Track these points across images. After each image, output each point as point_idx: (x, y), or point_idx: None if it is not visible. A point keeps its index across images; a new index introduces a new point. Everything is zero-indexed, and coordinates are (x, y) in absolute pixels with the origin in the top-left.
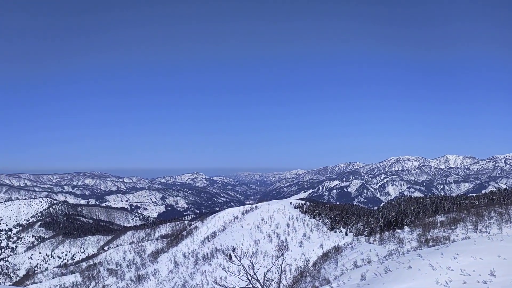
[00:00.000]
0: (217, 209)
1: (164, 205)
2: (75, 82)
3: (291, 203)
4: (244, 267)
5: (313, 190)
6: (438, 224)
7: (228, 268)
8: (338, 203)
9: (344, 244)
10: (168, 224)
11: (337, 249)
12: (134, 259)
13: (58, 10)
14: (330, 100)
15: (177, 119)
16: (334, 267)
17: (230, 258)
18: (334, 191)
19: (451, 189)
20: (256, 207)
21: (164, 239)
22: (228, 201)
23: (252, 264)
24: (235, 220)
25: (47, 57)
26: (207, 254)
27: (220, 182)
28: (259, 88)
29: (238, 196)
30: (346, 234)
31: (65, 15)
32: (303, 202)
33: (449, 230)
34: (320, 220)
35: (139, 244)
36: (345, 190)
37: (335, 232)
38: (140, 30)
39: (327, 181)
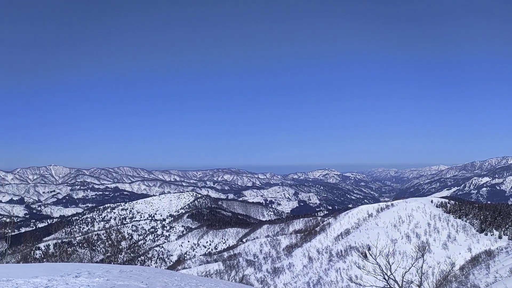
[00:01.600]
0: (350, 205)
1: (296, 201)
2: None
3: (432, 201)
4: (380, 266)
5: (458, 188)
6: None
7: (364, 267)
8: (488, 202)
9: (497, 248)
10: (301, 219)
11: (489, 254)
12: (270, 252)
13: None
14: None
15: (309, 116)
16: (485, 274)
17: (365, 256)
18: (484, 189)
19: None
20: (392, 204)
21: (298, 234)
22: (361, 198)
23: (389, 263)
24: (369, 217)
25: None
26: (340, 251)
27: (352, 178)
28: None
29: (372, 193)
30: (500, 237)
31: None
32: (447, 200)
33: None
34: (468, 221)
35: (274, 238)
36: (498, 188)
37: (486, 234)
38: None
39: (475, 177)
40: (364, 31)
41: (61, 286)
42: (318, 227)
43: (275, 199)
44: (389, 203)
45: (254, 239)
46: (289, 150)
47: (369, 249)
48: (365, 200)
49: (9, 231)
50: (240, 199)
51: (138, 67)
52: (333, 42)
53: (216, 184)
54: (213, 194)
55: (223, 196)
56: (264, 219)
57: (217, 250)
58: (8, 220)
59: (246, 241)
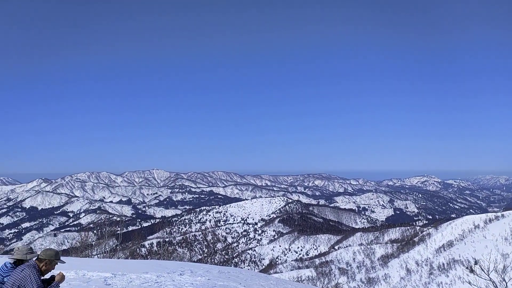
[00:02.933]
0: (453, 215)
1: (392, 209)
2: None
3: None
4: (494, 283)
5: None
6: None
7: (472, 283)
8: None
9: None
10: (397, 228)
11: None
12: (363, 261)
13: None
14: None
15: (406, 121)
16: None
17: (472, 271)
18: None
19: None
20: (502, 215)
21: (394, 244)
22: (466, 208)
23: (505, 281)
24: (475, 229)
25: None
26: (442, 264)
27: (455, 186)
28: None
29: (478, 202)
30: None
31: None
32: None
33: None
34: None
35: (368, 246)
36: None
37: None
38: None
39: None
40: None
41: (168, 283)
42: (417, 237)
43: (368, 206)
44: (498, 214)
45: (346, 246)
46: (383, 155)
47: (476, 263)
48: (471, 210)
49: (119, 229)
50: (332, 205)
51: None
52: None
53: (307, 189)
54: (304, 199)
55: (314, 202)
56: (356, 227)
57: (309, 256)
58: (118, 219)
59: (338, 248)
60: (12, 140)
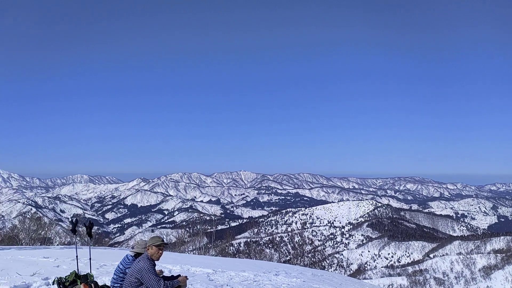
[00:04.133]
0: None
1: (495, 216)
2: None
3: None
4: None
5: None
6: None
7: None
8: None
9: None
10: (501, 237)
11: None
12: (462, 271)
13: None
14: None
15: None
16: None
17: None
18: None
19: None
20: None
21: (498, 254)
22: None
23: None
24: None
25: None
26: None
27: None
28: None
29: None
30: None
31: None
32: None
33: None
34: None
35: (468, 256)
36: None
37: None
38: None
39: None
40: None
41: (265, 282)
42: None
43: (468, 213)
44: None
45: (443, 255)
46: (484, 158)
47: None
48: None
49: (209, 227)
50: (426, 210)
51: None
52: None
53: (397, 193)
54: (394, 203)
55: (405, 206)
56: (454, 234)
57: (400, 264)
58: (208, 218)
59: (433, 256)
60: (116, 143)
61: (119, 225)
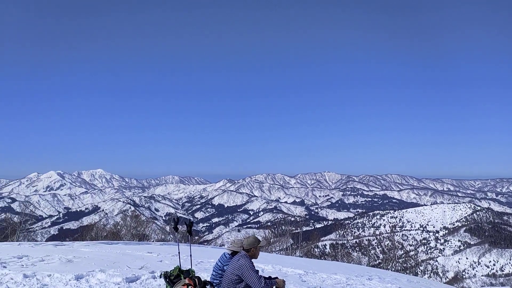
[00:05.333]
0: None
1: None
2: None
3: None
4: None
5: None
6: None
7: None
8: None
9: None
10: None
11: None
12: None
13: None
14: None
15: None
16: None
17: None
18: None
19: None
20: None
21: None
22: None
23: None
24: None
25: None
26: None
27: None
28: None
29: None
30: None
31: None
32: None
33: None
34: None
35: None
36: None
37: None
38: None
39: None
40: None
41: (359, 286)
42: None
43: None
44: None
45: None
46: None
47: None
48: None
49: (294, 229)
50: None
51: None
52: None
53: (499, 196)
54: (496, 207)
55: (509, 211)
56: None
57: (504, 273)
58: (292, 219)
59: None
60: (204, 146)
61: (207, 224)
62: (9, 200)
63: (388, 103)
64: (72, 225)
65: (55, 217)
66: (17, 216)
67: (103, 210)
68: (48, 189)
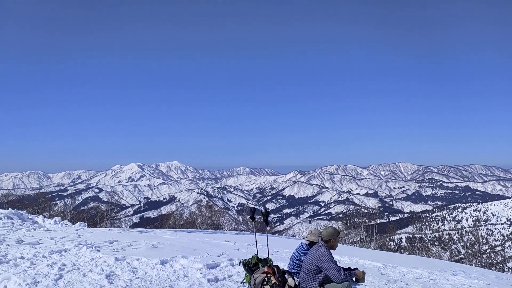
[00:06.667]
0: None
1: None
2: None
3: None
4: None
5: None
6: None
7: None
8: None
9: None
10: None
11: None
12: None
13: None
14: None
15: None
16: None
17: None
18: None
19: None
20: None
21: None
22: None
23: None
24: None
25: None
26: None
27: None
28: None
29: None
30: None
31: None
32: None
33: None
34: None
35: None
36: None
37: None
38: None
39: None
40: None
41: (443, 281)
42: None
43: None
44: None
45: None
46: None
47: None
48: None
49: (367, 221)
50: None
51: None
52: None
53: None
54: None
55: None
56: None
57: None
58: (365, 211)
59: None
60: (274, 137)
61: (278, 215)
62: (97, 190)
63: (473, 94)
64: (152, 213)
65: (137, 206)
66: (104, 204)
67: (179, 200)
68: (129, 180)
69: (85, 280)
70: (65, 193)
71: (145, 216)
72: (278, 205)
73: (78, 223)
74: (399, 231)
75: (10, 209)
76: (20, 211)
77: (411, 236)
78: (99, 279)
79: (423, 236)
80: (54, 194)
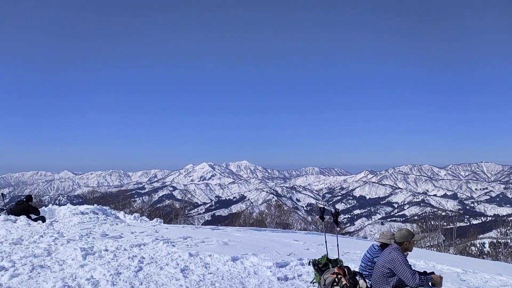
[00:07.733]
0: None
1: None
2: None
3: None
4: None
5: None
6: None
7: None
8: None
9: None
10: None
11: None
12: None
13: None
14: None
15: None
16: None
17: None
18: None
19: None
20: None
21: None
22: None
23: None
24: None
25: None
26: None
27: None
28: None
29: None
30: None
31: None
32: None
33: None
34: None
35: None
36: None
37: None
38: None
39: None
40: None
41: None
42: None
43: None
44: None
45: None
46: None
47: None
48: None
49: (445, 224)
50: None
51: None
52: None
53: None
54: None
55: None
56: None
57: None
58: (443, 213)
59: None
60: (344, 137)
61: (349, 216)
62: (171, 188)
63: None
64: (223, 212)
65: (208, 205)
66: (178, 202)
67: (248, 199)
68: (201, 179)
69: (162, 273)
70: (142, 191)
71: (216, 214)
72: (348, 206)
73: (155, 219)
74: (481, 236)
75: (95, 205)
76: (104, 207)
77: (495, 241)
78: (174, 273)
79: (509, 241)
80: (133, 192)
